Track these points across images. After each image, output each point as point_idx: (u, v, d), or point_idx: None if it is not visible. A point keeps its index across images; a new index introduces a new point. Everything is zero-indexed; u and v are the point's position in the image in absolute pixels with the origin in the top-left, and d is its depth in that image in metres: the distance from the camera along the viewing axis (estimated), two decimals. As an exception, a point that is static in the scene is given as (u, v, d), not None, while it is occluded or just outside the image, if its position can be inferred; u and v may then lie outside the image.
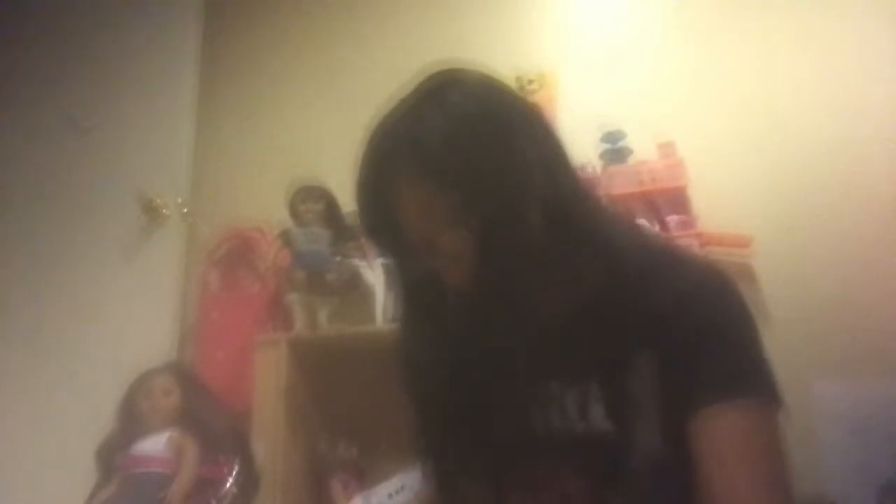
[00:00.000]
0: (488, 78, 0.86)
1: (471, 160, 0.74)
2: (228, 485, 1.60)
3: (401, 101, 0.84)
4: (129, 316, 2.00)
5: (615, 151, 1.86)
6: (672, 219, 1.75)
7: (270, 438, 1.68)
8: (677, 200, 1.79)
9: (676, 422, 0.77)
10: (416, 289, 0.87)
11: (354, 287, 1.80)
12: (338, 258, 1.78)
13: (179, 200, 2.10)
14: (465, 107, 0.79)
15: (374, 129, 0.83)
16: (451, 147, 0.74)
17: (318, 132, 2.24)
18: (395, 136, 0.79)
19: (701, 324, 0.79)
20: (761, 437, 0.76)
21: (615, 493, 0.79)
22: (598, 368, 0.81)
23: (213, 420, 1.66)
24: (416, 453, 0.94)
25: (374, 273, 1.81)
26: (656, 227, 1.74)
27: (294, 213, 1.83)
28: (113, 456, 1.62)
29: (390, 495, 1.62)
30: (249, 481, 1.62)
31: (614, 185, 1.77)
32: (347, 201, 1.89)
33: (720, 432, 0.75)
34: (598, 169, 1.84)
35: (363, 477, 1.77)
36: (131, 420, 1.66)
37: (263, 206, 2.04)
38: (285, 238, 1.82)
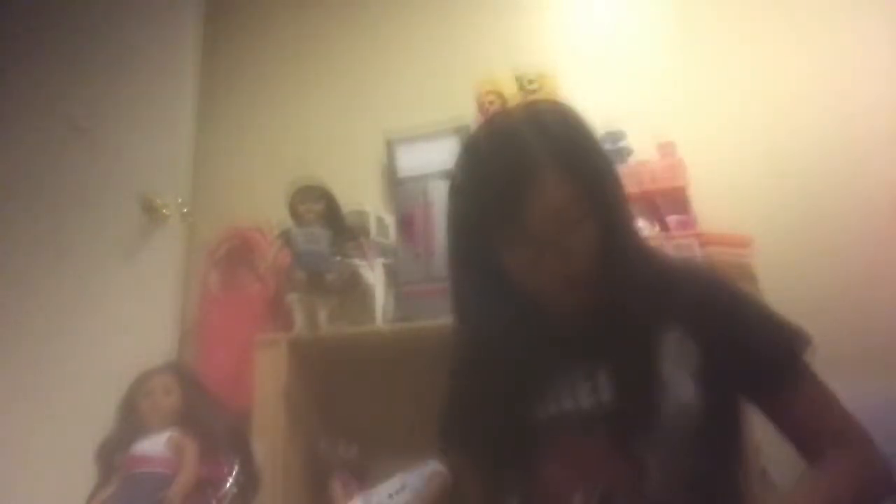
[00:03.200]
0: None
1: (594, 157, 0.90)
2: (228, 485, 1.60)
3: (503, 115, 0.99)
4: (129, 316, 2.00)
5: (615, 151, 1.85)
6: (672, 219, 1.75)
7: (270, 438, 1.68)
8: (677, 200, 1.79)
9: (728, 392, 0.91)
10: (486, 275, 0.93)
11: (354, 287, 1.80)
12: (338, 258, 1.78)
13: (179, 200, 2.10)
14: (565, 116, 0.92)
15: (485, 133, 0.95)
16: (580, 147, 0.89)
17: (318, 132, 2.24)
18: (528, 136, 0.88)
19: (724, 299, 0.94)
20: (818, 379, 0.92)
21: (655, 460, 0.86)
22: (639, 349, 0.90)
23: (213, 420, 1.66)
24: (444, 437, 1.05)
25: (374, 273, 1.81)
26: (656, 228, 1.75)
27: (294, 213, 1.83)
28: (113, 456, 1.62)
29: (390, 495, 1.62)
30: (249, 481, 1.62)
31: (614, 185, 1.77)
32: (347, 201, 1.90)
33: (807, 396, 0.91)
34: (598, 169, 1.84)
35: (363, 477, 1.77)
36: (131, 420, 1.65)
37: (263, 206, 2.04)
38: (285, 238, 1.82)
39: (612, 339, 0.90)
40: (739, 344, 0.91)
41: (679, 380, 0.88)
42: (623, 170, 1.82)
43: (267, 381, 1.71)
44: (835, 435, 0.89)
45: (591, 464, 0.89)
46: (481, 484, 1.00)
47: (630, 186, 1.77)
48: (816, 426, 0.90)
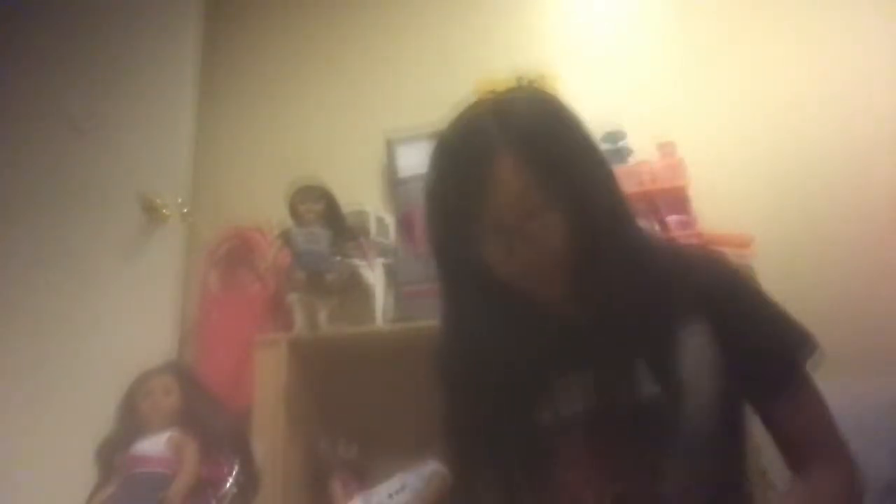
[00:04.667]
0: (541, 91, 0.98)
1: (564, 145, 0.85)
2: (228, 485, 1.60)
3: (470, 107, 0.91)
4: (129, 316, 2.00)
5: (615, 151, 1.86)
6: (672, 219, 1.75)
7: (270, 438, 1.68)
8: (677, 200, 1.79)
9: (732, 389, 0.88)
10: (471, 275, 0.90)
11: (354, 287, 1.80)
12: (338, 258, 1.78)
13: (179, 200, 2.10)
14: (541, 104, 0.89)
15: (449, 129, 0.91)
16: (545, 134, 0.85)
17: (318, 132, 2.25)
18: (488, 127, 0.85)
19: (735, 292, 0.93)
20: (814, 390, 0.92)
21: (668, 459, 0.84)
22: (644, 345, 0.87)
23: (213, 420, 1.66)
24: (448, 441, 1.01)
25: (374, 273, 1.81)
26: (656, 228, 1.75)
27: (294, 213, 1.83)
28: (113, 456, 1.62)
29: (390, 495, 1.62)
30: (249, 481, 1.62)
31: (614, 186, 1.77)
32: (347, 201, 1.90)
33: (801, 406, 0.90)
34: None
35: (363, 477, 1.77)
36: (131, 420, 1.65)
37: (263, 206, 2.04)
38: (285, 238, 1.82)
39: (627, 337, 0.87)
40: (748, 341, 0.90)
41: (698, 378, 0.86)
42: (623, 170, 1.82)
43: (267, 381, 1.71)
44: (819, 450, 0.90)
45: (605, 467, 0.87)
46: (487, 486, 0.97)
47: (630, 186, 1.77)
48: (803, 438, 0.90)
